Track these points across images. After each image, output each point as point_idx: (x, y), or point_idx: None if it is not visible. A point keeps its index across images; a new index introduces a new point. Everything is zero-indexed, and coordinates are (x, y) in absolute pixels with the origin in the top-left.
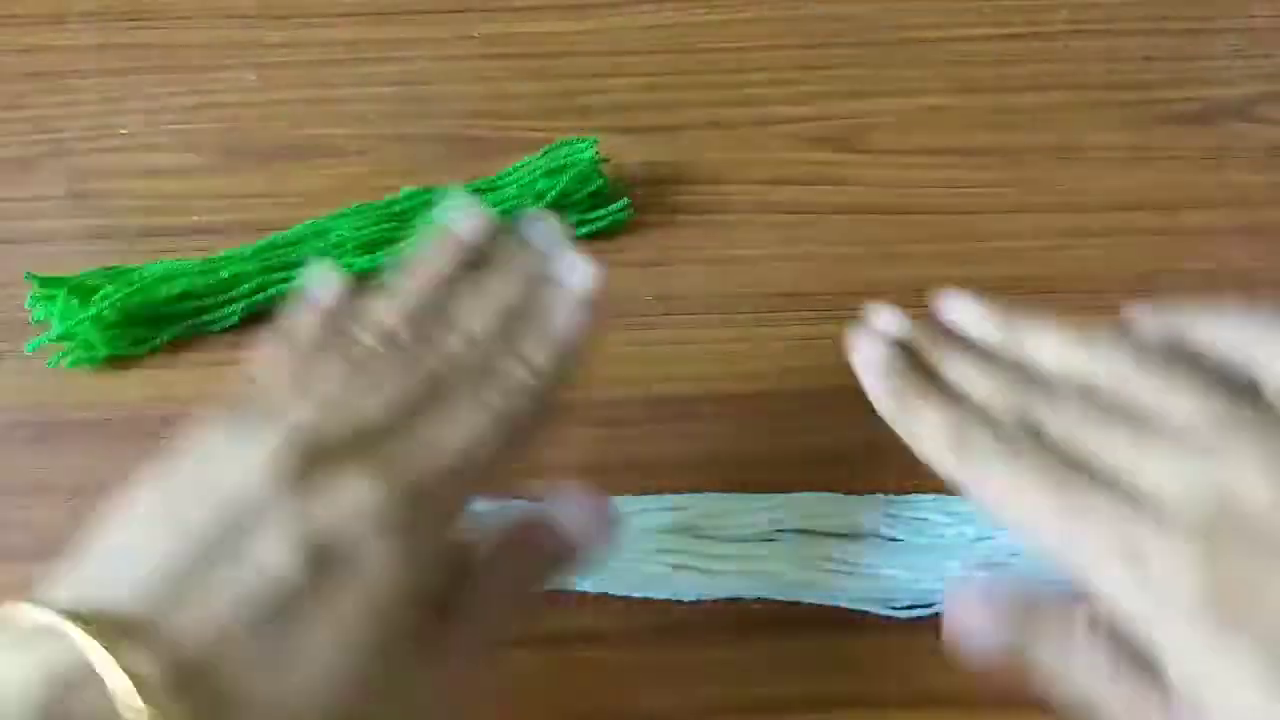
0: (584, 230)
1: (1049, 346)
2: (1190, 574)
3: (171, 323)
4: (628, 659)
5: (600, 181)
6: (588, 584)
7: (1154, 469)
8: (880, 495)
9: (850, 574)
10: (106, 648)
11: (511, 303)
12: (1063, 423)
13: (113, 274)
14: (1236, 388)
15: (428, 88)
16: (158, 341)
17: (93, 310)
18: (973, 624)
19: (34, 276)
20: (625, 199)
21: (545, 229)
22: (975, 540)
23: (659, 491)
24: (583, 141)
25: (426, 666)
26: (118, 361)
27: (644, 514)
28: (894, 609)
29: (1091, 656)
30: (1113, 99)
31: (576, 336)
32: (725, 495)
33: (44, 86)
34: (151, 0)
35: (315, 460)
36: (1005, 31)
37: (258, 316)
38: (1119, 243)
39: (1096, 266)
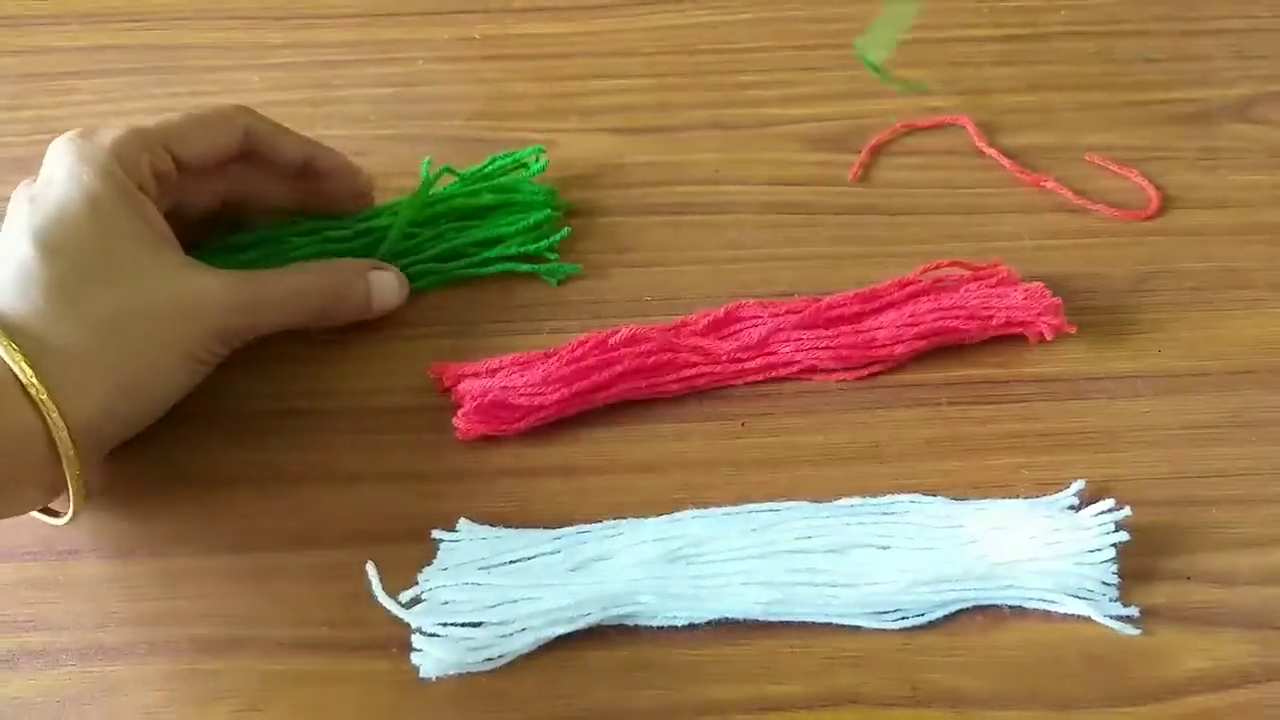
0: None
1: None
2: None
3: None
4: (628, 659)
5: (545, 212)
6: (581, 623)
7: None
8: (870, 499)
9: (839, 587)
10: None
11: None
12: None
13: None
14: None
15: (428, 89)
16: None
17: None
18: None
19: None
20: (566, 229)
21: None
22: (968, 543)
23: (649, 510)
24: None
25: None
26: None
27: (631, 548)
28: (884, 622)
29: None
30: (1112, 99)
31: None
32: (710, 515)
33: (44, 87)
34: (152, 1)
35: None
36: (1004, 32)
37: None
38: (1119, 243)
39: (1096, 266)
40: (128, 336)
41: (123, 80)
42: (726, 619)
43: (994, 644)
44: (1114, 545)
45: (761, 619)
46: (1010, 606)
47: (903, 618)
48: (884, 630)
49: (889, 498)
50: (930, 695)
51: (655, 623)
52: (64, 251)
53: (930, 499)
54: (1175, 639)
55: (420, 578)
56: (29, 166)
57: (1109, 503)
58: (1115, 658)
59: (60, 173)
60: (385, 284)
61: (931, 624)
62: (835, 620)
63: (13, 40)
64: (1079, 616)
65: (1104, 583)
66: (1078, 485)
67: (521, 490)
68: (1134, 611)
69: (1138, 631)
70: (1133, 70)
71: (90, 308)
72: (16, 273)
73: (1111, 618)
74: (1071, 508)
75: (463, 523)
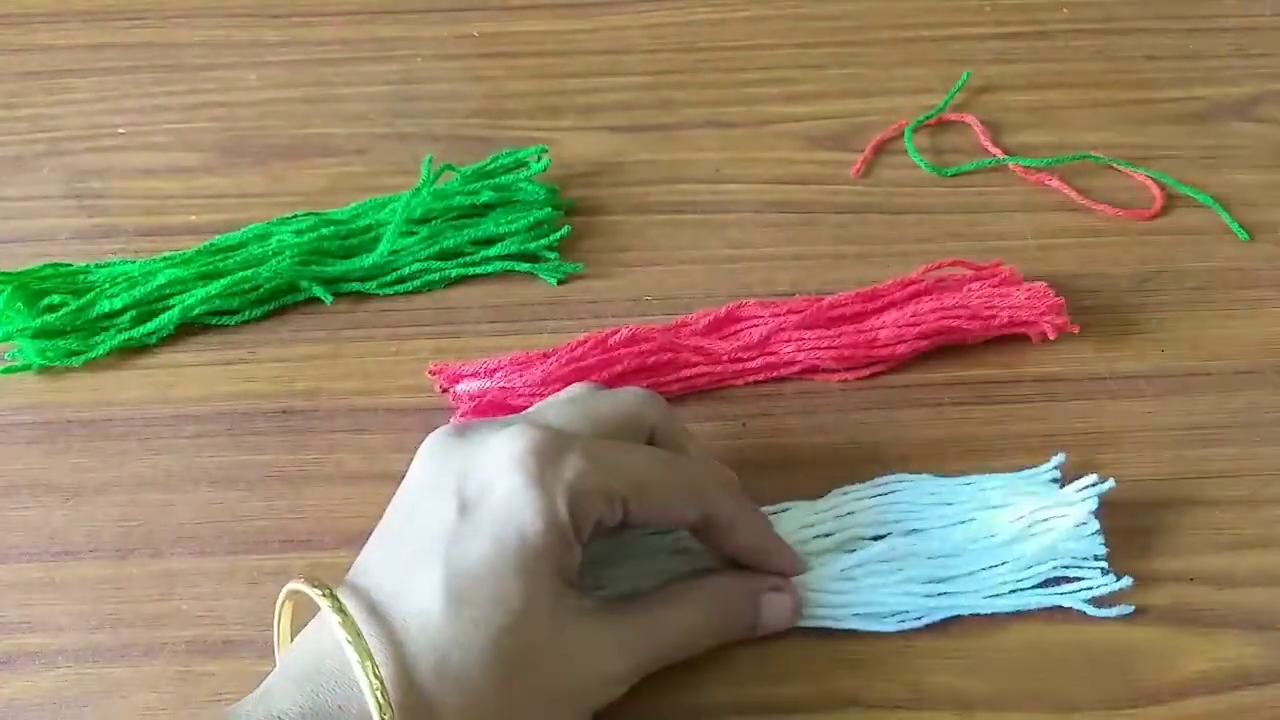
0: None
1: None
2: None
3: (107, 333)
4: None
5: (545, 211)
6: None
7: None
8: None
9: (837, 594)
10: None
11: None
12: None
13: (58, 271)
14: None
15: (426, 87)
16: (93, 354)
17: (34, 323)
18: None
19: None
20: (566, 228)
21: None
22: (957, 523)
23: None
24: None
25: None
26: (114, 362)
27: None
28: (882, 625)
29: None
30: (1113, 98)
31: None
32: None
33: (41, 85)
34: None
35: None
36: (1005, 30)
37: (194, 325)
38: (1122, 242)
39: (1097, 266)
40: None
41: (121, 78)
42: None
43: (995, 645)
44: (1094, 514)
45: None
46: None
47: (900, 621)
48: (885, 632)
49: (877, 481)
50: (932, 697)
51: None
52: (474, 603)
53: (919, 477)
54: (1177, 640)
55: None
56: (26, 165)
57: (1092, 477)
58: (1117, 659)
59: (502, 499)
60: (778, 610)
61: (931, 626)
62: (833, 625)
63: (11, 38)
64: (1079, 617)
65: (1095, 556)
66: (1058, 458)
67: None
68: (1128, 582)
69: (1130, 609)
70: (1136, 68)
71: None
72: (418, 615)
73: (1101, 599)
74: (1054, 481)
75: None
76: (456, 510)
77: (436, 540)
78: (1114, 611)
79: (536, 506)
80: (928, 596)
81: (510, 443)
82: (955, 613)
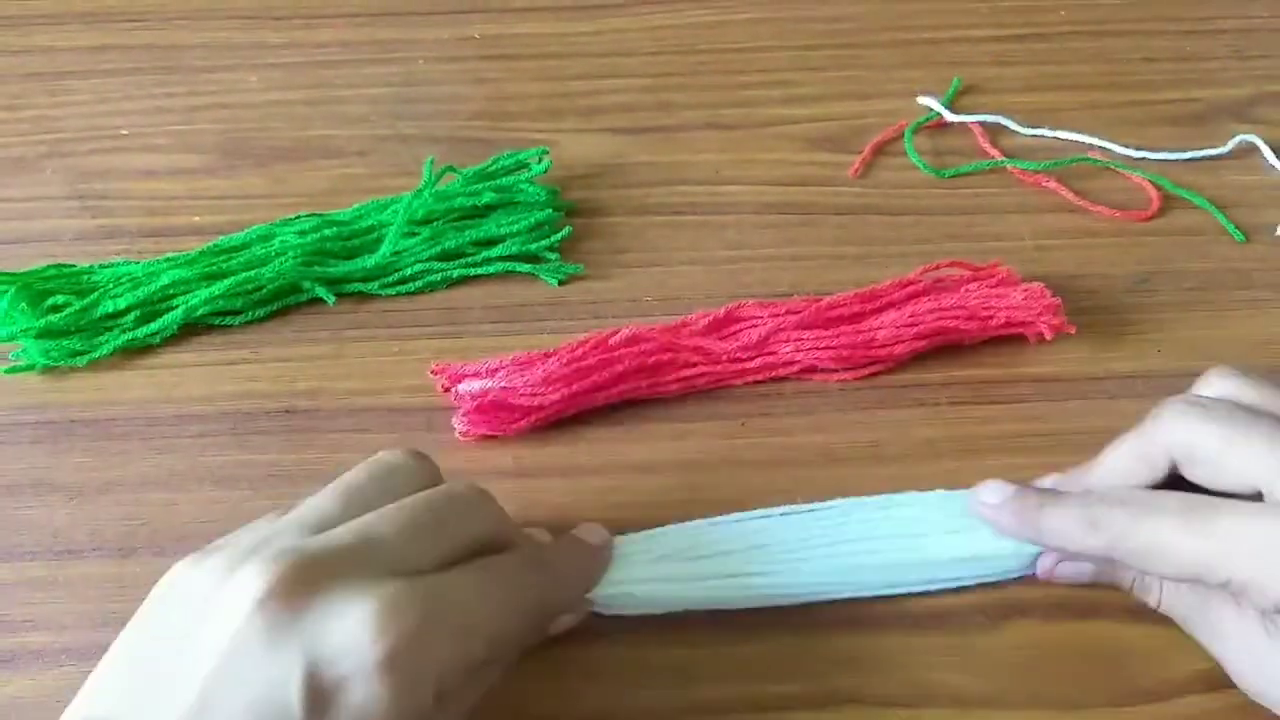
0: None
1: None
2: None
3: (111, 334)
4: (628, 659)
5: (545, 212)
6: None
7: None
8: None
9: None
10: None
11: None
12: None
13: (62, 271)
14: None
15: (428, 89)
16: (96, 354)
17: (38, 323)
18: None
19: None
20: (568, 229)
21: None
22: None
23: (650, 510)
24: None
25: None
26: (118, 362)
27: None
28: (886, 590)
29: None
30: (1111, 99)
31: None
32: (708, 523)
33: (43, 87)
34: (150, 1)
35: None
36: (1004, 32)
37: (197, 326)
38: (1119, 243)
39: (1094, 267)
40: None
41: (122, 80)
42: (728, 612)
43: (994, 644)
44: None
45: (758, 604)
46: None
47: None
48: (884, 629)
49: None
50: (930, 695)
51: (658, 610)
52: None
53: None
54: (1175, 639)
55: None
56: (28, 167)
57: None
58: (1115, 658)
59: (362, 702)
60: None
61: (932, 622)
62: (834, 594)
63: (12, 40)
64: (1079, 616)
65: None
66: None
67: (521, 491)
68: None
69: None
70: (1133, 70)
71: None
72: None
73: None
74: None
75: None
76: (303, 706)
77: None
78: None
79: (404, 707)
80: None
81: (370, 622)
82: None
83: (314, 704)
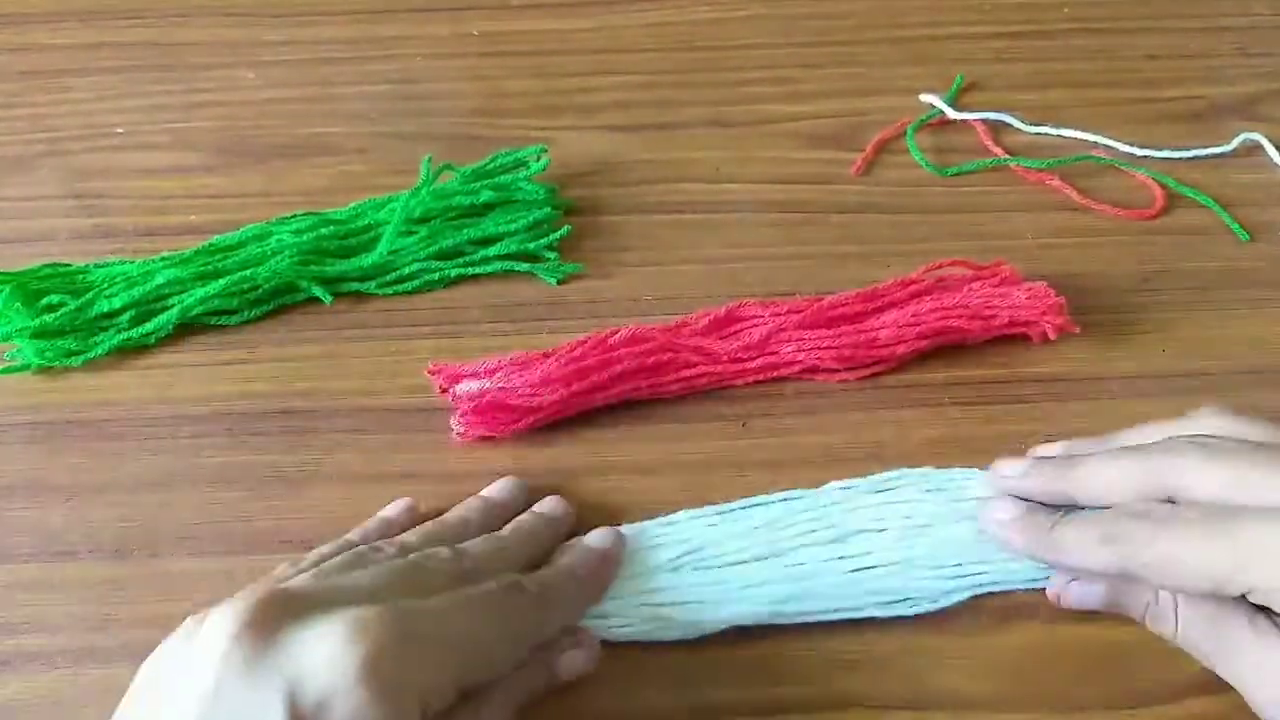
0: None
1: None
2: None
3: (106, 333)
4: (628, 659)
5: (545, 210)
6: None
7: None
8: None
9: (846, 577)
10: None
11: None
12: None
13: (57, 271)
14: None
15: (426, 86)
16: (92, 354)
17: (32, 323)
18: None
19: None
20: (567, 228)
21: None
22: (961, 519)
23: (649, 512)
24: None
25: None
26: (113, 362)
27: (642, 551)
28: (895, 610)
29: None
30: (1115, 97)
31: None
32: (716, 514)
33: (39, 85)
34: None
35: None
36: (1007, 29)
37: (193, 325)
38: (1119, 242)
39: (1098, 266)
40: None
41: (119, 78)
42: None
43: (996, 646)
44: None
45: (770, 621)
46: (1014, 590)
47: (913, 605)
48: (884, 629)
49: (881, 476)
50: (932, 697)
51: (669, 637)
52: None
53: (919, 471)
54: None
55: None
56: (24, 165)
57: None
58: (1117, 659)
59: (346, 697)
60: (576, 664)
61: (933, 624)
62: (845, 615)
63: (9, 38)
64: (1079, 617)
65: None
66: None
67: None
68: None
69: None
70: (1136, 68)
71: None
72: None
73: None
74: None
75: None
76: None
77: None
78: None
79: (389, 717)
80: (935, 579)
81: (343, 635)
82: (967, 594)
83: None
